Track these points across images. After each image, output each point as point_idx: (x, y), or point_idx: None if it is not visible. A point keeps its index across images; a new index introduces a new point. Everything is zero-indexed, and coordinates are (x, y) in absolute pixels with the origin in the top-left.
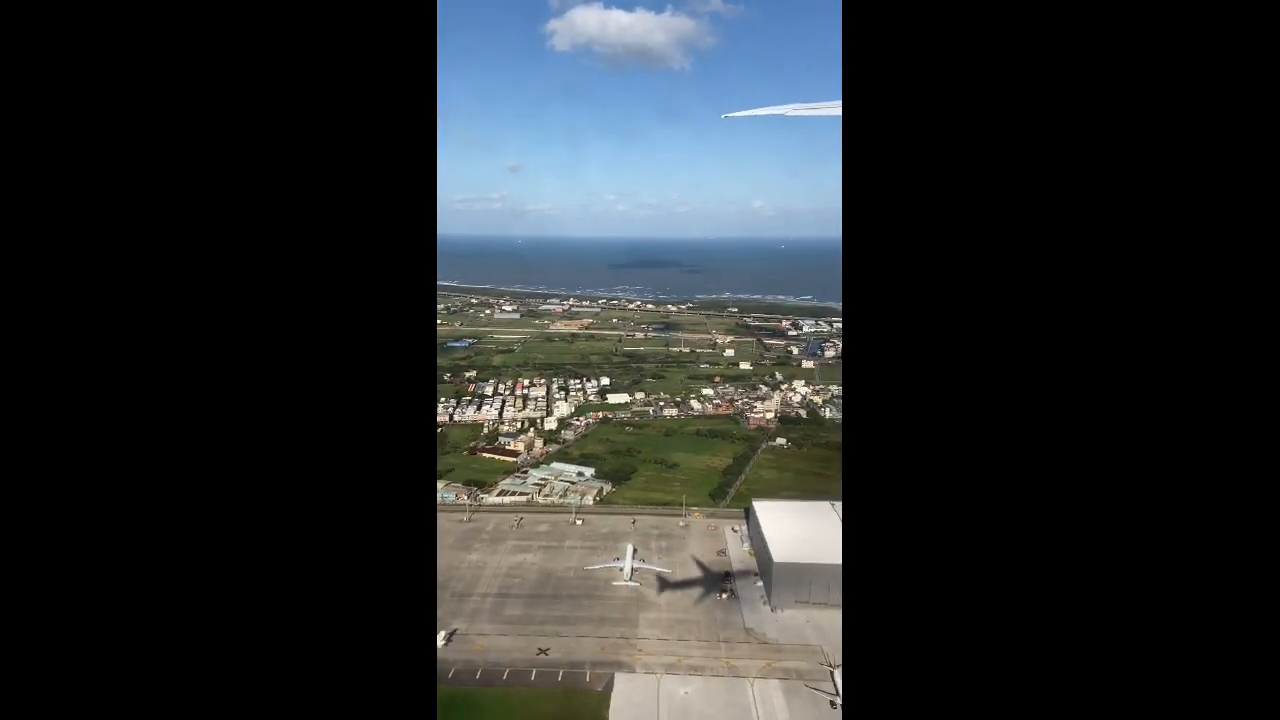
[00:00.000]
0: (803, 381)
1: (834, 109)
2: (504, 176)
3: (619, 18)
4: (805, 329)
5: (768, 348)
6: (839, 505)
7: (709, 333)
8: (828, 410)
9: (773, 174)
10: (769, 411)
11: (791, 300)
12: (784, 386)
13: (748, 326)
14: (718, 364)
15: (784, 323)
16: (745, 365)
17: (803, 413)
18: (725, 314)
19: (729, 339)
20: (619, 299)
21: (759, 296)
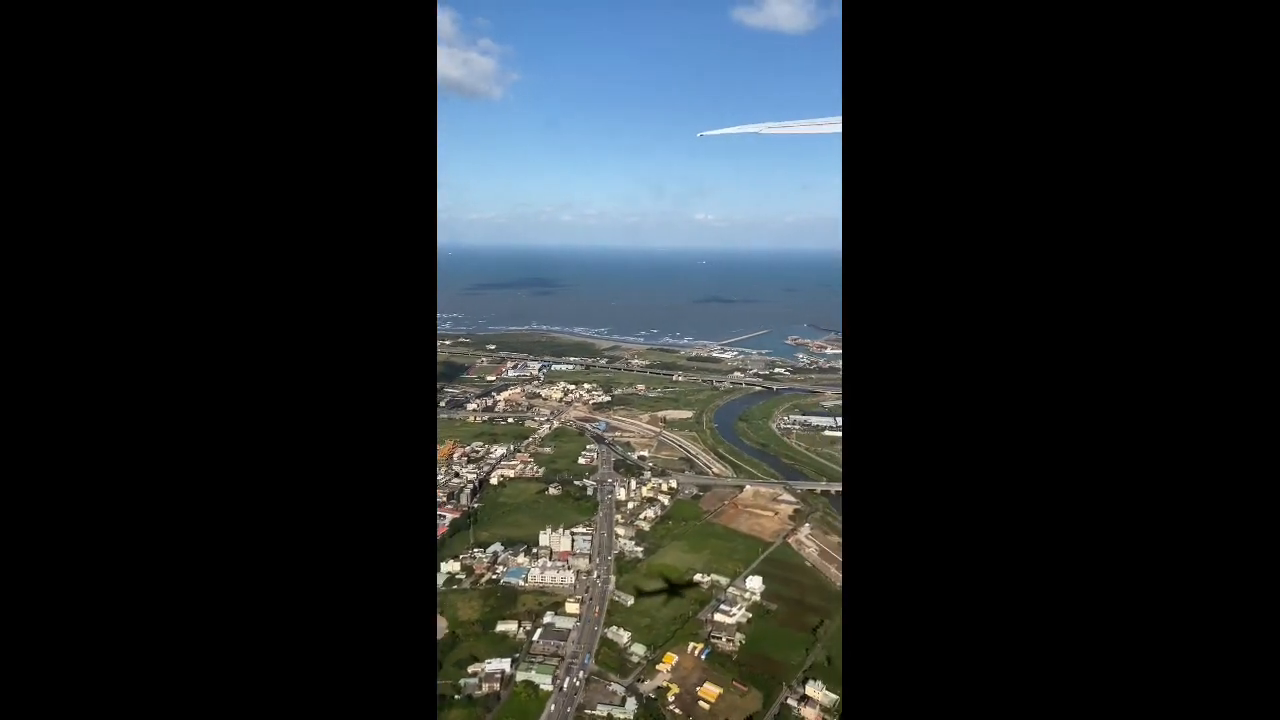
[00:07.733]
0: None
1: (805, 127)
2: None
3: None
4: (523, 373)
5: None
6: None
7: None
8: None
9: (720, 187)
10: None
11: (583, 335)
12: None
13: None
14: None
15: (529, 362)
16: None
17: None
18: (483, 350)
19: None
20: None
21: (555, 328)
